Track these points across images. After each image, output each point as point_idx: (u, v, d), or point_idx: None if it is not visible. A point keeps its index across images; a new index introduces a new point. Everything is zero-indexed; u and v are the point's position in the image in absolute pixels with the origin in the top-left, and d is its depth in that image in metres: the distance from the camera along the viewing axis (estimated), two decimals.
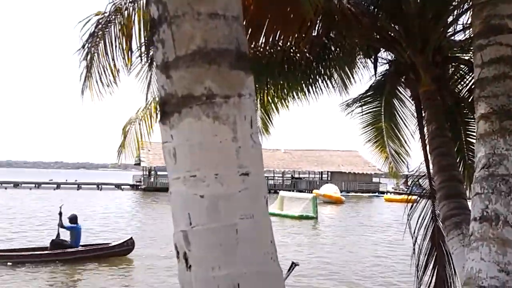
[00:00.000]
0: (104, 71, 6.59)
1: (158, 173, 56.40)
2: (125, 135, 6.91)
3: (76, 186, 60.06)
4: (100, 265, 13.01)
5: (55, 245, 13.05)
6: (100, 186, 59.65)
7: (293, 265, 7.67)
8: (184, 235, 1.59)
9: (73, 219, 13.60)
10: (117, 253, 13.64)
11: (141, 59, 6.85)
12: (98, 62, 6.47)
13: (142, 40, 6.70)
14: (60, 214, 13.23)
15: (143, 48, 6.78)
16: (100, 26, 6.09)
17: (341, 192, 47.97)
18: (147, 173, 57.09)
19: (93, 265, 12.96)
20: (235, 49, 1.70)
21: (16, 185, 58.50)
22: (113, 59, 6.55)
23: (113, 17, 6.13)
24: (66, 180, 68.65)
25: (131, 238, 14.32)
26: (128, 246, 13.90)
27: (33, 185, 58.98)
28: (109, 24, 6.18)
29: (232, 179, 1.58)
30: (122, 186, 60.47)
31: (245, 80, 1.70)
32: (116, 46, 6.40)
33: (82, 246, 13.68)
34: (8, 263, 12.46)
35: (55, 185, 59.40)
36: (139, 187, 58.06)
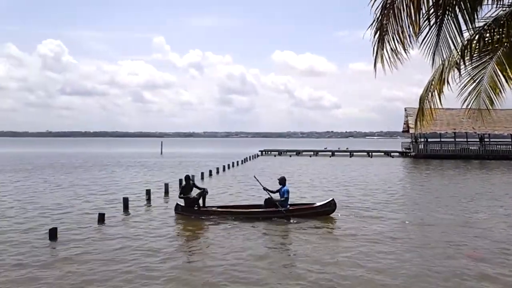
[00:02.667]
0: (394, 41, 6.85)
1: (429, 140, 54.56)
2: (422, 104, 6.97)
3: (349, 153, 63.73)
4: (305, 222, 13.75)
5: (267, 203, 14.67)
6: (370, 153, 61.65)
7: None
8: None
9: (282, 181, 14.90)
10: (320, 213, 14.54)
11: (429, 22, 6.82)
12: (388, 31, 6.77)
13: (431, 3, 6.65)
14: (264, 189, 14.90)
15: (431, 11, 6.73)
16: None
17: None
18: (415, 140, 55.82)
19: (299, 223, 13.78)
20: None
21: (298, 153, 66.00)
22: (401, 27, 6.75)
23: None
24: (339, 148, 73.60)
25: (333, 199, 15.06)
26: (330, 206, 14.67)
27: (312, 153, 65.50)
28: None
29: None
30: (392, 154, 60.91)
31: None
32: (405, 12, 6.55)
33: (290, 205, 14.92)
34: (231, 218, 14.11)
35: (330, 153, 64.43)
36: (409, 154, 57.36)
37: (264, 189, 14.96)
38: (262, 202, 15.17)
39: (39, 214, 15.37)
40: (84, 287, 8.08)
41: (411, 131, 52.31)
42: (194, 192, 15.10)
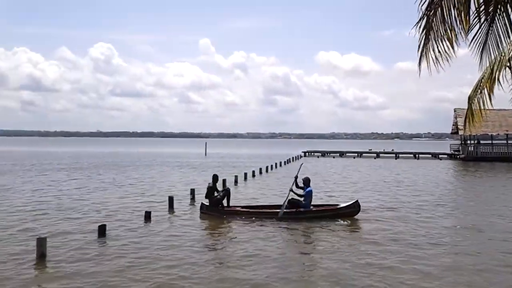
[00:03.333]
0: (441, 39, 6.69)
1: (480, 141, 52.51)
2: (471, 104, 6.76)
3: (394, 155, 62.35)
4: (328, 223, 13.64)
5: (291, 204, 14.53)
6: (417, 155, 60.06)
7: None
8: None
9: (306, 181, 14.85)
10: (344, 214, 14.26)
11: (479, 19, 6.61)
12: (436, 29, 6.62)
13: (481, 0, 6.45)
14: (296, 178, 14.99)
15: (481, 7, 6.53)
16: None
17: None
18: (464, 142, 53.85)
19: (323, 223, 13.68)
20: None
21: (342, 154, 65.25)
22: (449, 25, 6.57)
23: None
24: (384, 150, 72.17)
25: (357, 201, 14.76)
26: (354, 208, 14.46)
27: (356, 154, 64.56)
28: None
29: None
30: (440, 156, 59.09)
31: None
32: (453, 9, 6.38)
33: (313, 206, 14.84)
34: (253, 218, 14.19)
35: (375, 154, 63.28)
36: (458, 156, 55.42)
37: (296, 185, 14.93)
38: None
39: (89, 209, 16.06)
40: (129, 283, 8.36)
41: (461, 132, 50.56)
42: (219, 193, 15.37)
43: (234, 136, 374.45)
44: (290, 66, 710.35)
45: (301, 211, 14.33)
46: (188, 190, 19.65)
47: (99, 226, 11.94)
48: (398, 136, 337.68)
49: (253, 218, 14.22)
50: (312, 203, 14.83)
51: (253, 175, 30.30)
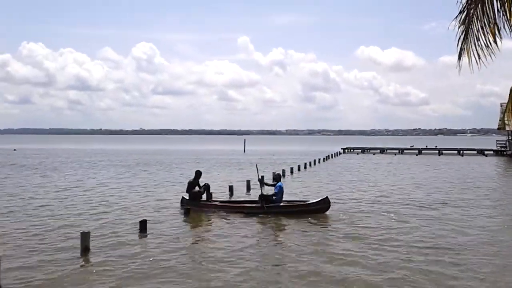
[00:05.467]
0: (483, 32, 6.43)
1: None
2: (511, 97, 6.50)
3: (437, 151, 60.63)
4: (298, 219, 13.67)
5: (262, 199, 14.71)
6: (461, 151, 58.17)
7: None
8: None
9: (277, 177, 15.27)
10: (313, 210, 14.27)
11: None
12: (477, 22, 6.38)
13: None
14: (260, 179, 15.41)
15: None
16: None
17: None
18: (511, 137, 51.67)
19: (292, 219, 13.72)
20: None
21: (382, 151, 64.09)
22: (492, 16, 6.32)
23: None
24: (426, 146, 70.33)
25: (327, 197, 14.74)
26: (324, 204, 14.45)
27: (397, 151, 63.22)
28: None
29: None
30: (485, 152, 56.96)
31: None
32: (497, 1, 6.13)
33: (285, 201, 15.00)
34: (223, 212, 14.65)
35: (417, 151, 61.75)
36: (504, 152, 53.27)
37: (260, 181, 15.32)
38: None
39: (132, 205, 16.53)
40: (173, 278, 8.55)
41: (508, 127, 48.55)
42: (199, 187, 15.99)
43: (273, 133, 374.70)
44: (329, 62, 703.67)
45: (271, 206, 14.52)
46: (226, 187, 19.84)
47: (140, 222, 12.26)
48: (441, 132, 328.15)
49: (224, 213, 14.61)
50: (284, 200, 15.04)
51: (291, 172, 30.25)
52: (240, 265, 9.16)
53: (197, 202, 15.56)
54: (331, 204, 14.65)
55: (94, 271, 8.73)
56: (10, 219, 13.91)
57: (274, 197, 14.78)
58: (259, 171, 16.28)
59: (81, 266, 9.15)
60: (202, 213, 14.77)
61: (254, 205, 14.95)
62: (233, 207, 15.24)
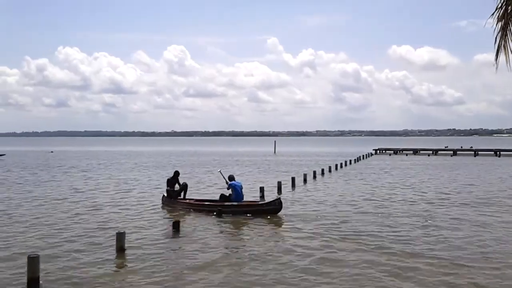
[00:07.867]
0: None
1: None
2: None
3: (473, 152, 58.98)
4: (251, 218, 14.27)
5: (222, 198, 15.75)
6: (498, 152, 56.34)
7: None
8: None
9: (230, 177, 16.18)
10: (265, 211, 14.77)
11: None
12: None
13: None
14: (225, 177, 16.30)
15: None
16: None
17: None
18: None
19: (247, 218, 14.32)
20: None
21: (415, 152, 62.81)
22: None
23: None
24: (461, 147, 68.49)
25: (279, 198, 15.26)
26: (275, 205, 14.88)
27: (431, 152, 61.84)
28: None
29: None
30: None
31: None
32: None
33: (243, 201, 15.58)
34: (191, 210, 15.67)
35: (451, 152, 60.22)
36: None
37: (226, 182, 16.08)
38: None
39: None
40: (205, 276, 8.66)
41: None
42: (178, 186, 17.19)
43: (303, 134, 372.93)
44: (359, 62, 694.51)
45: (226, 205, 15.13)
46: (257, 189, 19.90)
47: (173, 222, 12.46)
48: (476, 132, 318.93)
49: (191, 210, 15.65)
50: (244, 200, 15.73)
51: (322, 173, 30.01)
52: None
53: (174, 200, 16.71)
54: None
55: (128, 271, 8.93)
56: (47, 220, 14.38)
57: (231, 196, 15.61)
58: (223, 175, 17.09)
59: (116, 265, 9.37)
60: (177, 210, 15.86)
61: (213, 203, 15.65)
62: (195, 205, 16.06)
